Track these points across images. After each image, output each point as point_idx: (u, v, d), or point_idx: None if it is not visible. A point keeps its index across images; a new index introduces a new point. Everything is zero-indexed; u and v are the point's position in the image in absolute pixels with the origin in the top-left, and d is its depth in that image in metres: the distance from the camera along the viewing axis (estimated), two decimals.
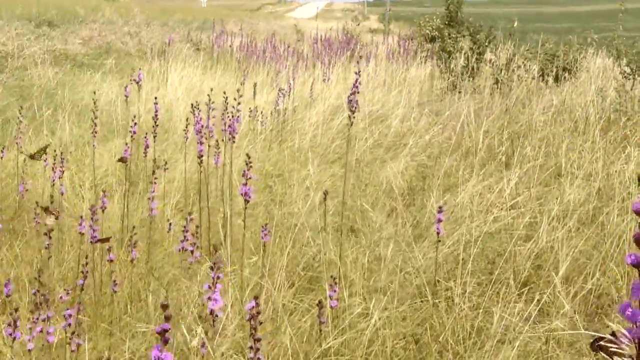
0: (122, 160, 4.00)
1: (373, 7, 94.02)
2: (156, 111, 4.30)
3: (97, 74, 10.89)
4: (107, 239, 2.91)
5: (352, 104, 3.16)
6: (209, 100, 4.14)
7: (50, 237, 2.47)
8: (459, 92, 9.25)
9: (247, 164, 2.92)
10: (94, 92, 9.22)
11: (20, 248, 3.86)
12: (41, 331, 2.28)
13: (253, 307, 1.92)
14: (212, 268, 1.90)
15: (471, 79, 9.63)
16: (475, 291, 3.49)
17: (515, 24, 9.86)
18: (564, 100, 7.29)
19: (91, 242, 2.86)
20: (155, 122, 4.30)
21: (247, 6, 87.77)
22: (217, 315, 1.93)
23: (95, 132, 4.31)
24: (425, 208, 4.94)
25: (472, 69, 9.65)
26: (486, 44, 9.82)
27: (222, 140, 4.11)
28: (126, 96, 5.50)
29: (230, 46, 14.93)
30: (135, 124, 4.13)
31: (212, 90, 9.41)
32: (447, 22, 10.33)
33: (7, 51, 11.04)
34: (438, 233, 2.79)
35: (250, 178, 2.93)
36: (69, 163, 5.94)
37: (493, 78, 9.25)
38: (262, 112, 6.70)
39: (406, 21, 52.68)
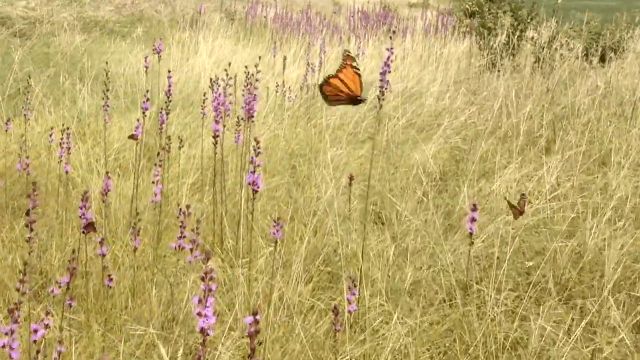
0: (132, 137, 3.73)
1: None
2: (169, 85, 4.01)
3: (126, 42, 10.63)
4: (90, 225, 2.61)
5: (382, 83, 2.84)
6: (227, 75, 3.85)
7: (32, 230, 2.19)
8: (498, 71, 8.86)
9: (254, 151, 2.62)
10: (120, 61, 9.01)
11: (21, 229, 3.61)
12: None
13: (251, 323, 1.63)
14: (202, 279, 1.61)
15: (511, 57, 9.22)
16: (510, 295, 3.18)
17: (560, 0, 9.42)
18: (609, 82, 6.88)
19: (83, 232, 2.58)
20: (169, 98, 4.01)
21: None
22: (208, 334, 1.64)
23: (107, 106, 4.03)
24: (458, 195, 4.61)
25: (513, 46, 9.23)
26: (528, 20, 9.39)
27: (244, 119, 3.81)
28: (146, 67, 5.22)
29: (264, 17, 14.59)
30: (147, 99, 3.85)
31: (243, 62, 9.14)
32: None
33: (35, 17, 10.81)
34: (471, 233, 2.49)
35: (258, 165, 2.63)
36: (86, 136, 5.69)
37: (534, 56, 8.84)
38: (290, 88, 6.38)
39: None
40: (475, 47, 10.40)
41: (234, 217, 3.95)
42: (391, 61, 2.86)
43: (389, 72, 2.87)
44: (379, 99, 2.93)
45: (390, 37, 2.94)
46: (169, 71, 4.12)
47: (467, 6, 16.56)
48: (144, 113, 3.89)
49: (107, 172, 3.09)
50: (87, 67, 8.06)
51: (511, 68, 9.01)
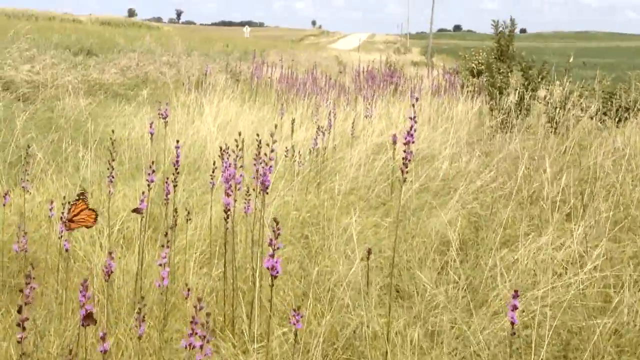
0: (136, 211, 3.51)
1: (415, 40, 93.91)
2: (177, 156, 3.81)
3: (131, 105, 10.50)
4: (89, 317, 2.37)
5: (406, 154, 2.64)
6: (237, 145, 3.64)
7: (24, 329, 1.95)
8: (510, 131, 8.68)
9: (274, 232, 2.40)
10: (124, 125, 8.85)
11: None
12: None
13: None
14: None
15: (523, 117, 9.06)
16: None
17: (572, 59, 9.28)
18: (628, 143, 6.68)
19: (81, 324, 2.34)
20: (176, 169, 3.81)
21: (289, 37, 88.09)
22: None
23: (112, 177, 3.82)
24: (479, 266, 4.37)
25: (524, 106, 9.08)
26: (539, 80, 9.25)
27: (254, 189, 3.60)
28: (151, 133, 5.03)
29: (269, 77, 14.50)
30: (153, 171, 3.64)
31: (249, 125, 8.98)
32: (497, 56, 9.77)
33: (39, 80, 10.71)
34: (512, 323, 2.24)
35: (278, 248, 2.41)
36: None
37: (547, 117, 8.67)
38: (299, 152, 6.19)
39: (448, 54, 52.33)
40: (486, 107, 10.26)
41: (244, 294, 3.71)
42: (414, 131, 2.66)
43: (413, 142, 2.67)
44: (402, 171, 2.72)
45: (413, 105, 2.74)
46: (177, 141, 3.92)
47: (473, 65, 16.52)
48: (148, 185, 3.68)
49: (110, 252, 2.86)
50: (90, 131, 7.90)
51: (523, 128, 8.84)
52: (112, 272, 2.83)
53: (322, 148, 6.67)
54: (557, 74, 9.59)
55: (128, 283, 3.89)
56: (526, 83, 9.29)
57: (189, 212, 4.20)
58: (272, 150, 3.20)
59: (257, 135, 3.52)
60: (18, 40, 12.92)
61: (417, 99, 2.63)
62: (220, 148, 3.81)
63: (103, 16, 60.04)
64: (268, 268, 2.42)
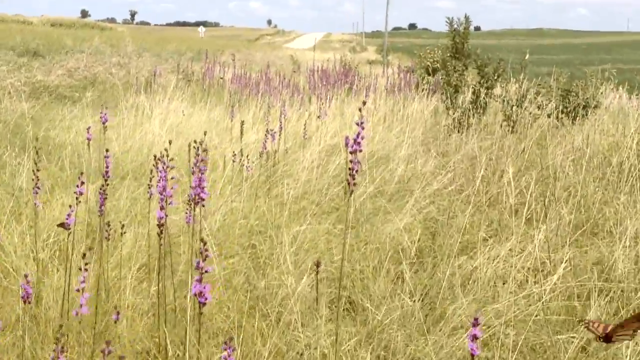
0: (63, 226, 3.21)
1: (371, 39, 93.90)
2: (107, 166, 3.51)
3: (77, 107, 10.12)
4: None
5: (353, 165, 2.38)
6: (167, 155, 3.35)
7: None
8: (467, 129, 8.48)
9: (202, 254, 2.12)
10: (69, 128, 8.48)
11: None
12: None
13: None
14: None
15: (480, 116, 8.87)
16: None
17: (527, 56, 9.10)
18: (587, 142, 6.50)
19: None
20: (106, 180, 3.50)
21: (245, 37, 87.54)
22: None
23: (38, 189, 3.51)
24: (436, 275, 4.13)
25: (480, 105, 8.89)
26: (495, 77, 9.06)
27: (192, 200, 3.31)
28: (88, 139, 4.71)
29: (221, 78, 14.17)
30: (82, 182, 3.34)
31: (198, 127, 8.66)
32: (452, 54, 9.56)
33: None
34: (472, 355, 1.98)
35: (206, 272, 2.13)
36: (22, 216, 5.13)
37: (503, 115, 8.48)
38: (247, 156, 5.89)
39: (404, 52, 52.33)
40: (441, 106, 10.06)
41: (184, 314, 3.42)
42: (362, 138, 2.40)
43: (360, 150, 2.41)
44: (348, 183, 2.46)
45: (360, 110, 2.48)
46: (107, 150, 3.61)
47: (428, 63, 16.36)
48: (77, 198, 3.37)
49: (25, 276, 2.56)
50: (31, 136, 7.54)
51: (480, 127, 8.66)
52: (29, 297, 2.53)
53: (273, 151, 6.40)
54: (513, 72, 9.41)
55: (59, 302, 3.58)
56: (482, 81, 9.09)
57: (123, 225, 3.90)
58: (202, 160, 2.91)
59: (195, 141, 3.24)
60: None
61: (364, 103, 2.38)
62: (155, 156, 3.52)
63: (55, 17, 58.88)
64: (195, 295, 2.15)
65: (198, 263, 2.11)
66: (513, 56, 10.46)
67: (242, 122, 6.45)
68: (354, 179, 2.41)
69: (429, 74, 15.66)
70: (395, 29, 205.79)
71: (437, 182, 6.00)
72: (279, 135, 6.69)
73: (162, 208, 2.99)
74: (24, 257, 4.40)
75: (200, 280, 2.13)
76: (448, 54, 9.70)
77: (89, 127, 4.78)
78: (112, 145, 7.51)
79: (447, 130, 8.91)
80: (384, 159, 7.34)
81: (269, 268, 4.13)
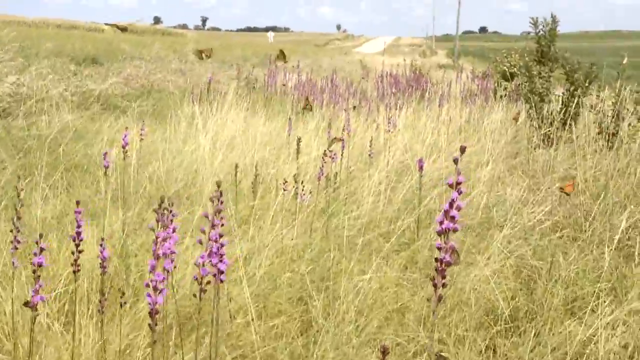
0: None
1: (440, 42, 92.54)
2: (103, 260, 2.65)
3: (124, 118, 9.38)
4: None
5: (442, 258, 1.49)
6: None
7: None
8: (556, 143, 7.47)
9: None
10: (114, 142, 7.73)
11: None
12: None
13: None
14: None
15: (570, 128, 7.84)
16: None
17: (625, 60, 8.01)
18: None
19: None
20: (103, 277, 2.65)
21: (314, 41, 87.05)
22: None
23: (17, 242, 2.68)
24: (538, 347, 3.19)
25: (570, 115, 7.85)
26: (586, 84, 8.01)
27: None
28: (105, 166, 3.91)
29: (284, 85, 13.33)
30: (79, 226, 2.50)
31: (258, 140, 7.82)
32: (536, 58, 8.53)
33: (26, 93, 9.61)
34: None
35: None
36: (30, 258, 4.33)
37: (598, 127, 7.44)
38: (302, 183, 4.99)
39: (475, 56, 50.98)
40: (523, 115, 9.06)
41: None
42: (458, 209, 1.52)
43: (455, 229, 1.53)
44: (435, 285, 1.56)
45: (456, 161, 1.59)
46: (103, 240, 2.76)
47: (505, 67, 15.30)
48: (76, 245, 2.53)
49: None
50: (68, 152, 6.83)
51: (569, 141, 7.63)
52: None
53: (333, 174, 5.50)
54: (610, 78, 8.32)
55: None
56: (572, 89, 8.06)
57: (123, 294, 3.06)
58: (219, 213, 2.04)
59: (218, 186, 2.36)
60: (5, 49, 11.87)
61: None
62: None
63: (125, 23, 59.07)
64: None
65: None
66: (593, 59, 9.31)
67: (299, 140, 5.57)
68: (443, 277, 1.52)
69: (506, 80, 14.63)
70: (465, 32, 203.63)
71: (528, 211, 5.03)
72: (341, 154, 5.80)
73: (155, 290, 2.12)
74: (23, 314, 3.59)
75: None
76: (532, 58, 8.66)
77: (106, 153, 3.97)
78: (163, 161, 6.73)
79: (532, 145, 7.92)
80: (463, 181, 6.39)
81: (321, 336, 3.23)
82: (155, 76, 14.26)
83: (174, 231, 2.24)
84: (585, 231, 4.55)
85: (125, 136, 3.79)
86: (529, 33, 8.80)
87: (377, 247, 4.77)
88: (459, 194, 1.62)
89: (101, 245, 2.64)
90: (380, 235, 5.02)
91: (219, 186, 2.16)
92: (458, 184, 1.61)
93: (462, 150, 1.65)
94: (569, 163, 6.89)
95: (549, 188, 5.53)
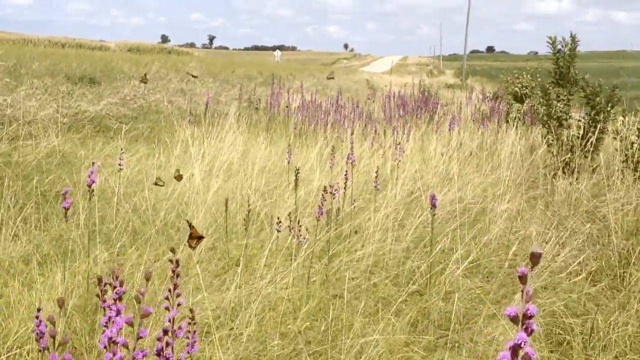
0: None
1: (447, 62, 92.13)
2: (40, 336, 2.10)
3: (123, 141, 8.83)
4: None
5: None
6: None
7: None
8: (578, 172, 6.92)
9: None
10: (103, 168, 7.18)
11: None
12: None
13: None
14: None
15: (592, 155, 7.29)
16: None
17: None
18: None
19: None
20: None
21: (321, 60, 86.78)
22: None
23: None
24: None
25: (592, 142, 7.30)
26: (608, 108, 7.46)
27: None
28: (90, 191, 3.37)
29: (286, 107, 12.80)
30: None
31: (258, 165, 7.27)
32: (555, 80, 7.96)
33: (13, 115, 9.10)
34: None
35: None
36: None
37: (623, 155, 6.88)
38: (299, 222, 4.41)
39: (483, 75, 50.50)
40: (539, 140, 8.51)
41: None
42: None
43: None
44: None
45: None
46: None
47: (516, 88, 14.77)
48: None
49: None
50: (44, 181, 6.28)
51: (591, 170, 7.08)
52: None
53: (336, 209, 4.95)
54: (635, 103, 7.76)
55: None
56: (592, 113, 7.50)
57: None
58: (176, 288, 1.50)
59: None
60: None
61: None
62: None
63: (132, 42, 58.74)
64: None
65: None
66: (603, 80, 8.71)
67: (297, 171, 5.01)
68: None
69: (518, 101, 14.11)
70: (473, 51, 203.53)
71: (551, 250, 4.47)
72: (344, 187, 5.25)
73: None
74: None
75: None
76: (549, 80, 8.10)
77: (90, 176, 3.45)
78: (144, 193, 6.17)
79: (548, 172, 7.37)
80: (478, 214, 5.84)
81: None
82: (154, 96, 13.75)
83: (118, 314, 1.69)
84: (623, 279, 3.98)
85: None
86: (536, 53, 8.28)
87: (384, 293, 4.23)
88: (529, 334, 1.08)
89: (37, 317, 2.09)
90: (388, 278, 4.47)
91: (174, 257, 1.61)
92: (527, 317, 1.08)
93: (535, 261, 1.11)
94: (592, 193, 6.34)
95: (572, 224, 4.97)
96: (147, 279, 1.45)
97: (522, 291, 1.09)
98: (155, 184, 4.94)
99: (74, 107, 10.28)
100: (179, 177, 4.88)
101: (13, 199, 5.51)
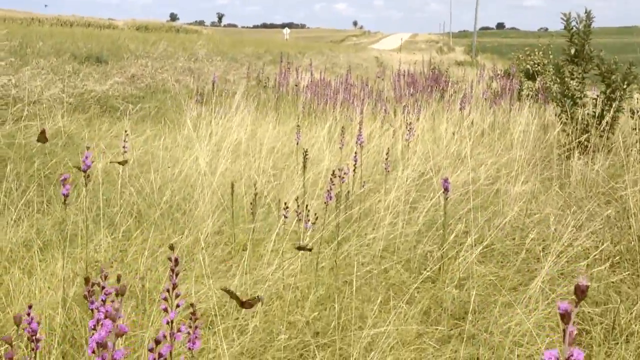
0: None
1: (457, 39, 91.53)
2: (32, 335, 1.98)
3: (129, 121, 8.69)
4: None
5: None
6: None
7: None
8: (593, 152, 6.76)
9: None
10: (107, 148, 7.06)
11: None
12: None
13: None
14: None
15: (607, 134, 7.12)
16: None
17: None
18: None
19: None
20: None
21: (331, 38, 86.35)
22: None
23: None
24: None
25: (607, 121, 7.13)
26: (624, 86, 7.27)
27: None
28: (85, 177, 3.23)
29: (296, 85, 12.62)
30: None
31: (265, 146, 7.13)
32: (569, 58, 7.77)
33: (18, 95, 8.96)
34: None
35: None
36: None
37: (639, 134, 6.71)
38: (307, 207, 4.26)
39: (493, 52, 50.06)
40: (553, 119, 8.33)
41: None
42: None
43: None
44: None
45: None
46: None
47: (528, 66, 14.55)
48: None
49: None
50: (48, 164, 6.16)
51: (606, 149, 6.91)
52: None
53: (345, 193, 4.81)
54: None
55: None
56: (608, 91, 7.32)
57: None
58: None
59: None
60: None
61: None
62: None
63: (141, 20, 58.48)
64: None
65: None
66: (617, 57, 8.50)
67: (305, 153, 4.86)
68: None
69: (529, 79, 13.89)
70: (482, 28, 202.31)
71: (569, 239, 4.31)
72: (353, 170, 5.11)
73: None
74: None
75: None
76: (563, 58, 7.91)
77: (83, 163, 3.31)
78: (150, 175, 6.03)
79: (562, 152, 7.21)
80: (489, 194, 5.70)
81: None
82: (161, 75, 13.60)
83: (106, 317, 1.56)
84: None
85: (86, 158, 3.11)
86: (546, 29, 8.10)
87: (395, 279, 4.09)
88: None
89: (28, 314, 1.97)
90: (399, 264, 4.34)
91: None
92: None
93: (580, 295, 0.97)
94: (608, 174, 6.18)
95: (589, 208, 4.82)
96: (122, 294, 1.30)
97: (564, 331, 0.95)
98: (119, 163, 4.73)
99: (80, 87, 10.14)
100: (43, 137, 4.50)
101: (16, 181, 5.40)
